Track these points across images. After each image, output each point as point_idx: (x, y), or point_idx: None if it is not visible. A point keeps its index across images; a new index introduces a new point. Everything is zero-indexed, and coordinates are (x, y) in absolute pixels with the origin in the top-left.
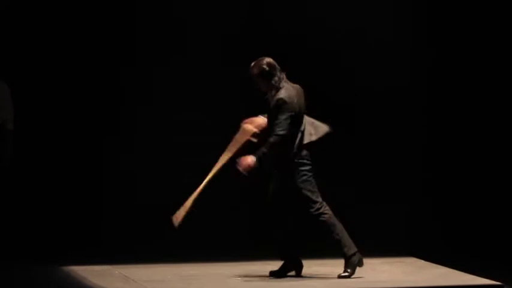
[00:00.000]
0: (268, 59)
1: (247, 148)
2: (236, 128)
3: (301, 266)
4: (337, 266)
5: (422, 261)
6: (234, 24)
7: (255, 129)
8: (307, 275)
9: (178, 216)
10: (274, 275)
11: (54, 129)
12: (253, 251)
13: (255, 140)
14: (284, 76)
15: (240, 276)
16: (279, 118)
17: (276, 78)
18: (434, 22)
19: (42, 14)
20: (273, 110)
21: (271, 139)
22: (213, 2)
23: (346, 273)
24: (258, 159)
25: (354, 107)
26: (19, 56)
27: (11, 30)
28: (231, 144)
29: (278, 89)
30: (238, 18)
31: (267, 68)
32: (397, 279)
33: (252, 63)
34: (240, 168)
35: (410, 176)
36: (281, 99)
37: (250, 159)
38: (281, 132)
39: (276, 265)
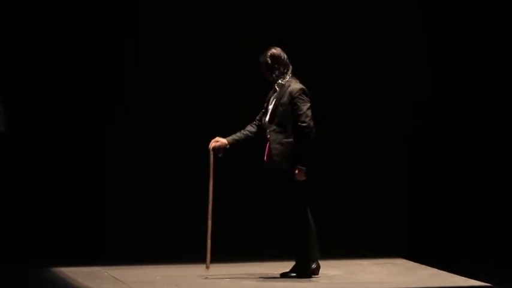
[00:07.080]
0: (273, 51)
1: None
2: (235, 127)
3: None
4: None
5: (412, 262)
6: (234, 23)
7: (214, 144)
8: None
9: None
10: (283, 276)
11: (54, 129)
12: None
13: (220, 155)
14: (288, 70)
15: (229, 277)
16: (301, 108)
17: (277, 72)
18: (434, 22)
19: (41, 14)
20: (290, 100)
21: (304, 131)
22: (213, 2)
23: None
24: (304, 161)
25: (354, 107)
26: (19, 56)
27: (11, 30)
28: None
29: (285, 81)
30: (239, 17)
31: (270, 61)
32: (387, 281)
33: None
34: (301, 179)
35: (404, 177)
36: (303, 89)
37: (299, 172)
38: (310, 122)
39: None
